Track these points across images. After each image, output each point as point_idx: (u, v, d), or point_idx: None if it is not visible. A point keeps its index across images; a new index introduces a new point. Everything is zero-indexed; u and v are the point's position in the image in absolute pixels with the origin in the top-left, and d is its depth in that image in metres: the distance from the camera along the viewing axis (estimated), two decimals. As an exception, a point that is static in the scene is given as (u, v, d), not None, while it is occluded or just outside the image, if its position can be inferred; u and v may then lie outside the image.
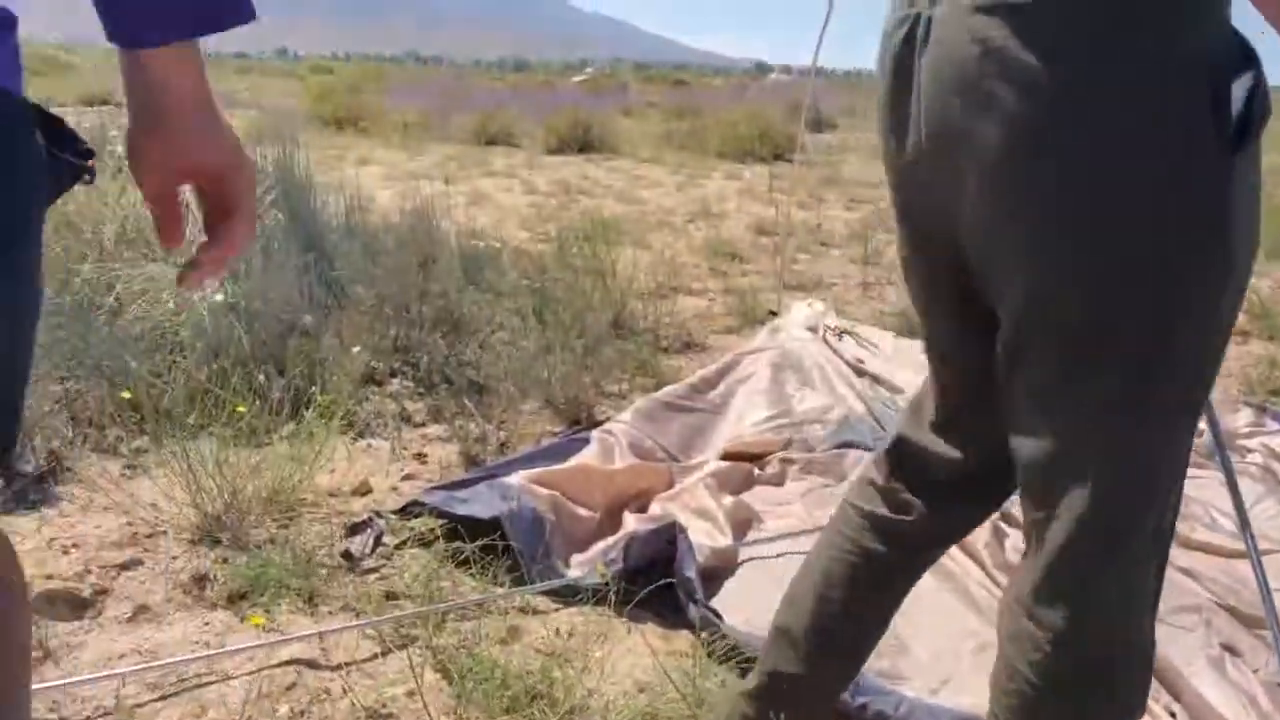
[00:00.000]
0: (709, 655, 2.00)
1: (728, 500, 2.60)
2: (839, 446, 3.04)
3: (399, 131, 13.51)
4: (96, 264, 3.58)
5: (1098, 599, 1.11)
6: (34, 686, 1.86)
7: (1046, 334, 1.07)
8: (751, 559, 2.43)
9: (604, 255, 4.53)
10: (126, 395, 2.87)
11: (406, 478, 2.91)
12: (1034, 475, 1.14)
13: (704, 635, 2.07)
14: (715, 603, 2.18)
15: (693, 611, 2.11)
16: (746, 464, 2.90)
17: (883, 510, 1.43)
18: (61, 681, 1.88)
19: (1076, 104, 0.99)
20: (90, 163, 1.05)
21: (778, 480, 2.87)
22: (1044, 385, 1.09)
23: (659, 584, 2.17)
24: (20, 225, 0.92)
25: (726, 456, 2.93)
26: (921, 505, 1.40)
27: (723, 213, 7.97)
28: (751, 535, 2.55)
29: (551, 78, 36.75)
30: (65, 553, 2.36)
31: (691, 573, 2.15)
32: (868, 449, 3.01)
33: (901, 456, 1.43)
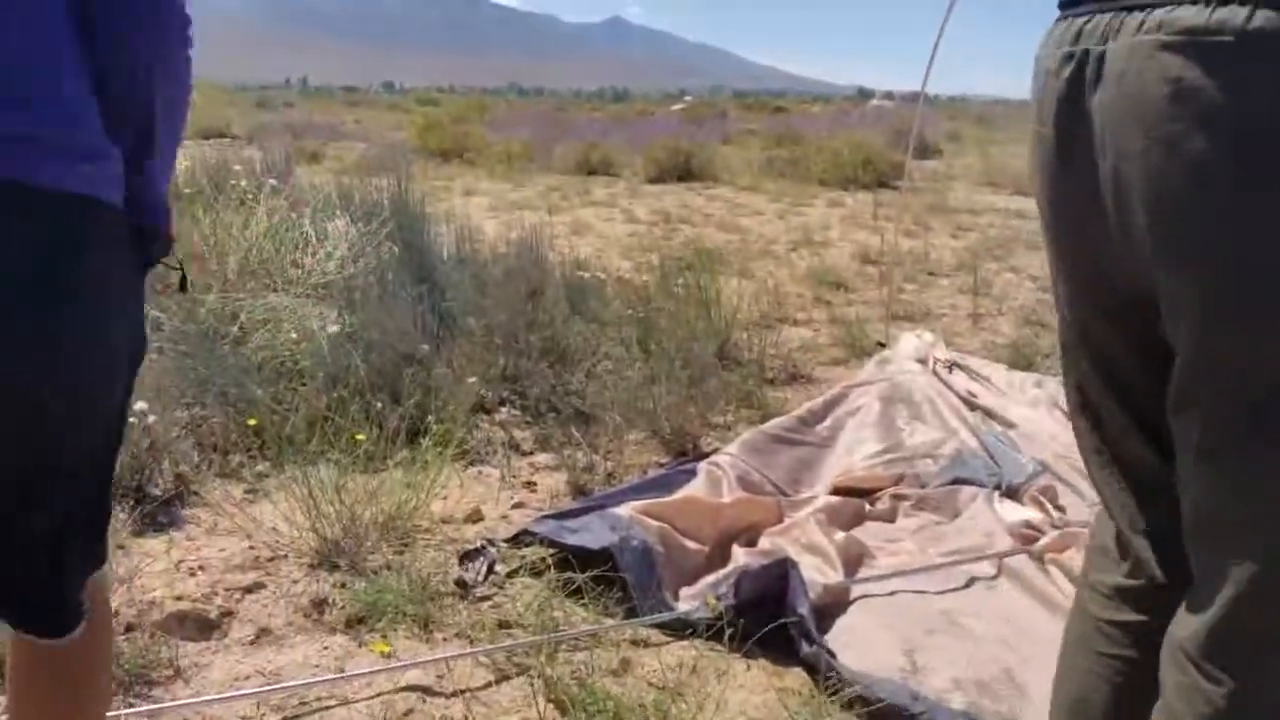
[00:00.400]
0: (824, 693, 1.97)
1: (839, 536, 2.57)
2: (952, 483, 2.98)
3: (502, 162, 13.77)
4: (221, 294, 3.72)
5: (1272, 664, 1.06)
6: (170, 704, 1.93)
7: (1218, 387, 1.02)
8: (864, 596, 2.39)
9: (707, 285, 4.53)
10: (252, 422, 2.96)
11: (516, 505, 2.94)
12: (1203, 524, 1.09)
13: (819, 674, 2.04)
14: (828, 639, 2.15)
15: (806, 649, 2.08)
16: (857, 499, 2.87)
17: (1128, 613, 1.30)
18: (192, 701, 1.94)
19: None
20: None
21: (889, 516, 2.82)
22: (1214, 441, 1.04)
23: (772, 622, 2.15)
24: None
25: (836, 491, 2.90)
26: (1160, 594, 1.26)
27: (826, 241, 7.91)
28: (863, 572, 2.51)
29: (650, 107, 37.07)
30: (192, 574, 2.45)
31: (804, 610, 2.13)
32: (981, 485, 2.94)
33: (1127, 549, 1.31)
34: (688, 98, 55.21)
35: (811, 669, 2.07)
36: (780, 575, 2.22)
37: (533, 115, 24.15)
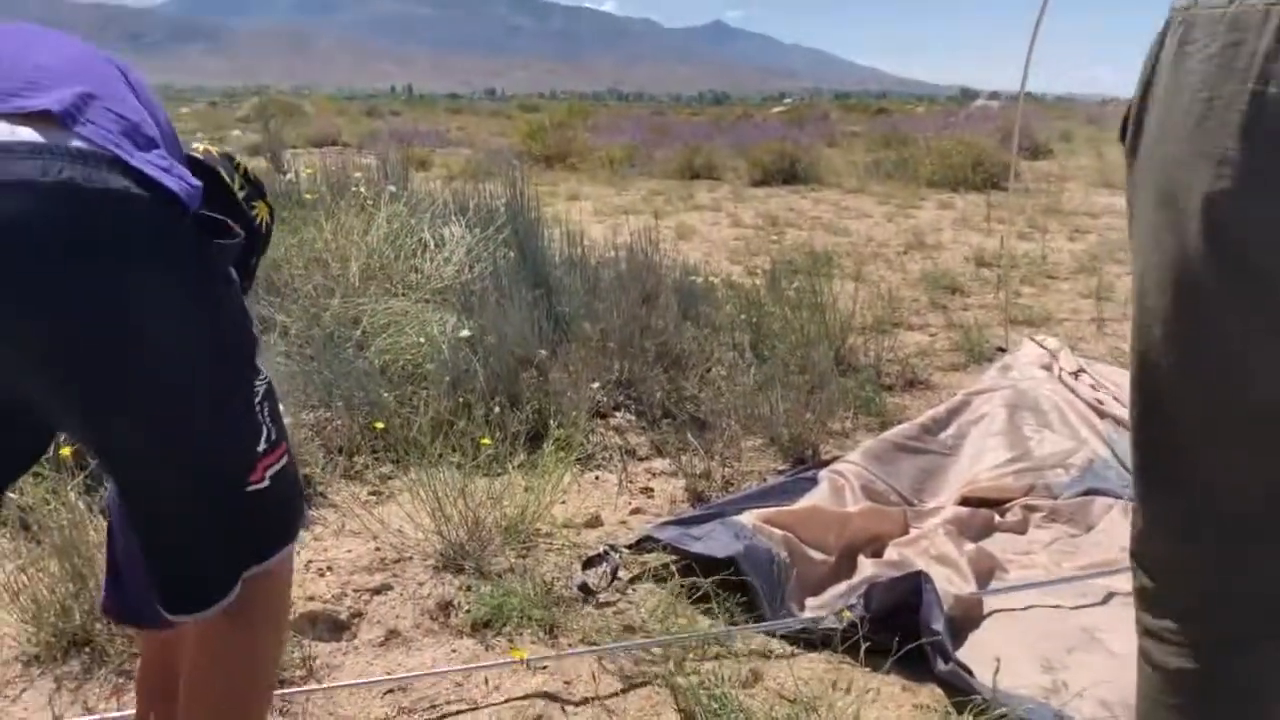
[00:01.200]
0: (968, 713, 1.90)
1: (969, 547, 2.49)
2: (1085, 493, 2.87)
3: (605, 167, 13.84)
4: (344, 299, 3.79)
5: None
6: (310, 687, 1.96)
7: None
8: (997, 610, 2.31)
9: (820, 288, 4.46)
10: (380, 425, 3.01)
11: (635, 511, 2.93)
12: None
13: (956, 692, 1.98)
14: (962, 654, 2.08)
15: (942, 667, 2.02)
16: (986, 510, 2.78)
17: None
18: (340, 684, 1.97)
19: None
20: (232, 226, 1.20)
21: (1020, 528, 2.73)
22: None
23: (902, 635, 2.09)
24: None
25: (965, 502, 2.82)
26: None
27: (938, 244, 7.74)
28: (994, 584, 2.43)
29: (751, 110, 36.90)
30: (321, 575, 2.50)
31: (940, 626, 2.06)
32: (1116, 496, 2.82)
33: None
34: (788, 100, 54.83)
35: (948, 686, 2.01)
36: (913, 589, 2.15)
37: (633, 120, 24.24)
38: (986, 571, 2.47)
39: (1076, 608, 2.33)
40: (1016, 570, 2.52)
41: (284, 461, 1.30)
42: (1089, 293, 5.81)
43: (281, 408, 1.34)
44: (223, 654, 1.34)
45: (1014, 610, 2.32)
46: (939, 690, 2.03)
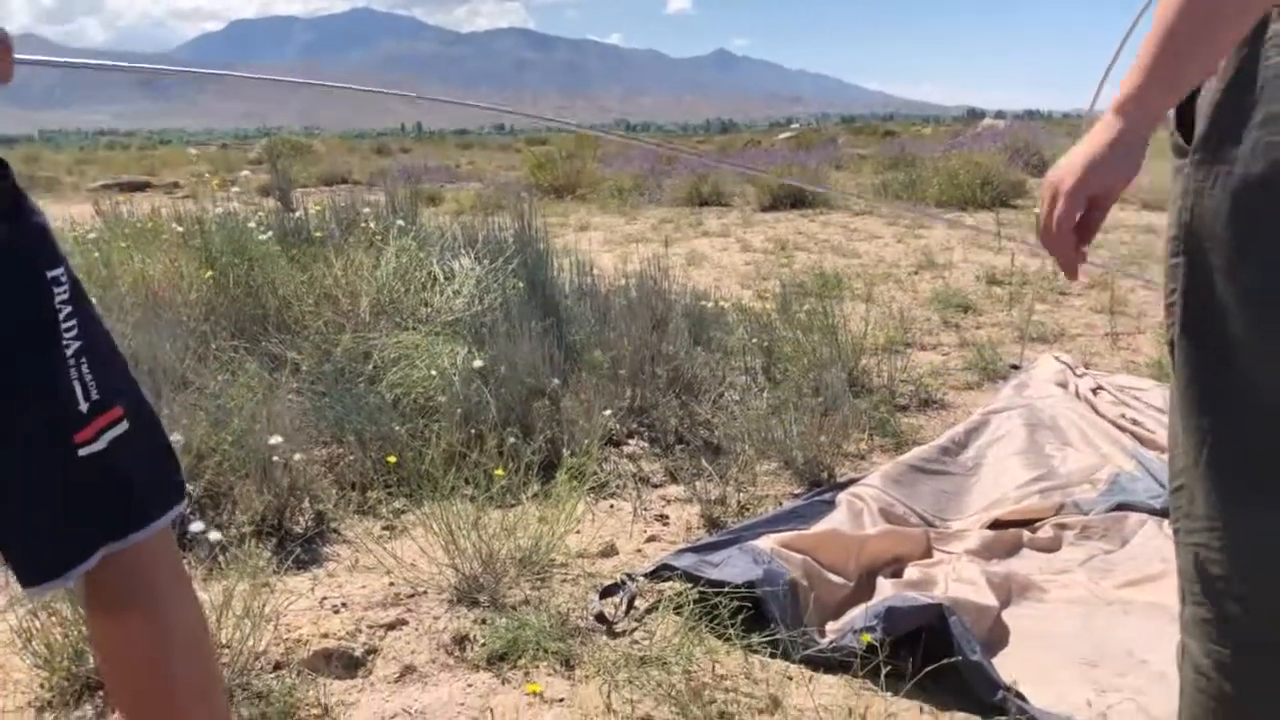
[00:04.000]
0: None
1: (998, 569, 2.45)
2: (1114, 508, 2.82)
3: (614, 197, 13.88)
4: (354, 334, 3.79)
5: None
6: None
7: None
8: (1034, 630, 2.26)
9: (831, 310, 4.44)
10: (392, 459, 3.00)
11: (650, 539, 2.90)
12: None
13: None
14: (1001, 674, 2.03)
15: (986, 693, 1.95)
16: (1015, 530, 2.73)
17: None
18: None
19: None
20: None
21: (1052, 546, 2.68)
22: None
23: (923, 656, 2.05)
24: None
25: (993, 526, 2.77)
26: None
27: (948, 263, 7.72)
28: (1029, 605, 2.37)
29: (758, 136, 37.02)
30: (336, 612, 2.47)
31: (978, 656, 2.01)
32: (1147, 510, 2.78)
33: None
34: (795, 125, 54.98)
35: (998, 711, 1.95)
36: (936, 617, 2.11)
37: (641, 150, 24.29)
38: (1019, 589, 2.42)
39: (1114, 625, 2.28)
40: (1056, 590, 2.46)
41: (124, 427, 1.27)
42: (1101, 308, 5.77)
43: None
44: (126, 654, 1.33)
45: (1054, 630, 2.27)
46: (967, 715, 1.99)
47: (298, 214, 4.91)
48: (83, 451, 1.23)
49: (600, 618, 2.36)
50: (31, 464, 1.22)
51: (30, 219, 1.25)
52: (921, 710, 2.02)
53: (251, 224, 4.52)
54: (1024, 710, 1.90)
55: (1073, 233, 1.13)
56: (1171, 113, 1.15)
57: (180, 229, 4.61)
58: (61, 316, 1.23)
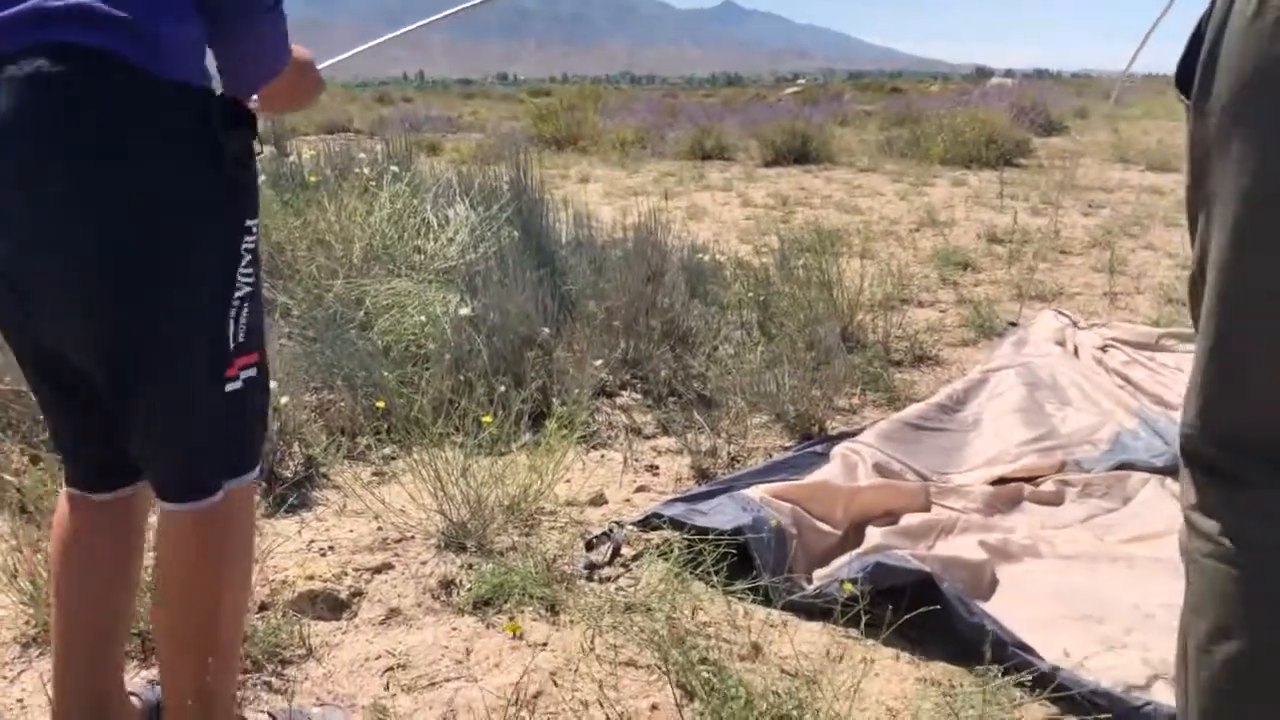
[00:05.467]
0: (985, 684, 1.86)
1: (998, 522, 2.45)
2: (1116, 468, 2.82)
3: (616, 149, 13.77)
4: (346, 280, 3.77)
5: None
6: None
7: None
8: (1042, 585, 2.25)
9: (828, 266, 4.41)
10: (380, 405, 2.99)
11: (639, 489, 2.90)
12: None
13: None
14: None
15: (996, 648, 1.92)
16: (1016, 484, 2.74)
17: None
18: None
19: None
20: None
21: (1054, 499, 2.68)
22: None
23: (906, 604, 2.05)
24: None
25: (996, 484, 2.77)
26: None
27: (950, 220, 7.66)
28: (1031, 562, 2.37)
29: (763, 91, 36.68)
30: (323, 555, 2.48)
31: (978, 618, 2.00)
32: (1148, 469, 2.78)
33: None
34: (801, 80, 54.50)
35: (977, 660, 1.93)
36: (925, 584, 2.10)
37: (644, 102, 24.09)
38: (1021, 549, 2.41)
39: (1118, 578, 2.28)
40: (1060, 545, 2.45)
41: (255, 370, 1.44)
42: (1101, 267, 5.74)
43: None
44: (195, 553, 1.45)
45: (1061, 586, 2.25)
46: (946, 665, 2.00)
47: (291, 158, 4.87)
48: (229, 387, 1.40)
49: (587, 565, 2.36)
50: (191, 395, 1.37)
51: (254, 168, 1.43)
52: (898, 657, 2.04)
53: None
54: (1030, 664, 1.88)
55: None
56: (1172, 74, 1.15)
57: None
58: (243, 263, 1.40)
